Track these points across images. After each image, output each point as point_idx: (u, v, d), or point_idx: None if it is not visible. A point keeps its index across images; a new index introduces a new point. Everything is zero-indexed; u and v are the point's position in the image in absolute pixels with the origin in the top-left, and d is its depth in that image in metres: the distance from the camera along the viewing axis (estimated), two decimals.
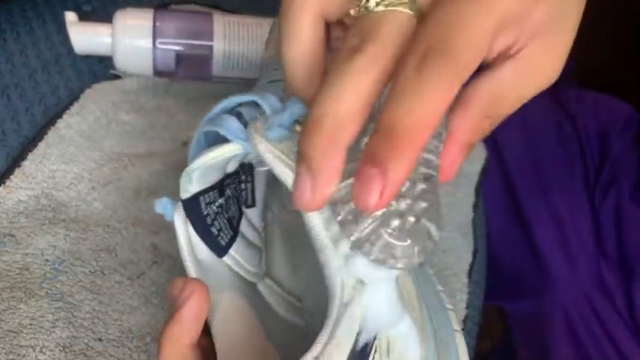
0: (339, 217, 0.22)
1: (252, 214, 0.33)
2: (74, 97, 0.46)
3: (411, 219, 0.21)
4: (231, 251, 0.30)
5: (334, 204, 0.22)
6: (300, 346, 0.23)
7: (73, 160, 0.42)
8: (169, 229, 0.29)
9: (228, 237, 0.30)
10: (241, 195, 0.31)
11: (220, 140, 0.26)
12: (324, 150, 0.20)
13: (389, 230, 0.21)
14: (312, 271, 0.28)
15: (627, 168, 0.56)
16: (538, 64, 0.22)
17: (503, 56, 0.21)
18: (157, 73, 0.48)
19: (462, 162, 0.22)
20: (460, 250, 0.47)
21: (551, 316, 0.54)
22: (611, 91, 0.60)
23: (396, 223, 0.21)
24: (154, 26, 0.46)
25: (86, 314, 0.35)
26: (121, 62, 0.47)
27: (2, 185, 0.40)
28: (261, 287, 0.33)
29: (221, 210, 0.29)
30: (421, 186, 0.21)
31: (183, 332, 0.24)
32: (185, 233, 0.28)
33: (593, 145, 0.59)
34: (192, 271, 0.28)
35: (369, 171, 0.19)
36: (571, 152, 0.58)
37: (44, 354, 0.32)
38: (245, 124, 0.26)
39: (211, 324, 0.28)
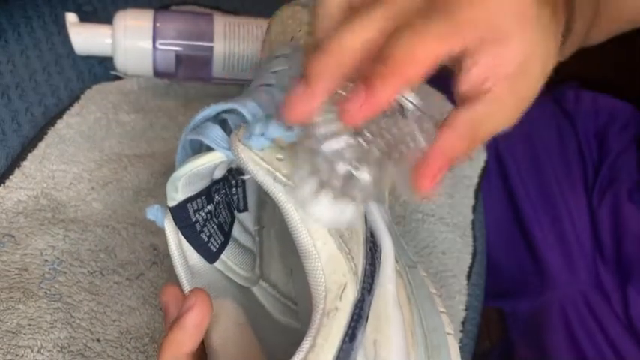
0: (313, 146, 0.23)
1: (245, 217, 0.33)
2: (74, 98, 0.46)
3: (376, 154, 0.23)
4: (223, 256, 0.30)
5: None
6: (296, 349, 0.23)
7: (73, 160, 0.42)
8: None
9: (219, 242, 0.30)
10: (232, 200, 0.31)
11: (206, 147, 0.26)
12: (322, 70, 0.23)
13: (354, 163, 0.22)
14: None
15: (626, 168, 0.56)
16: (505, 104, 0.25)
17: (477, 92, 0.25)
18: (157, 74, 0.48)
19: (438, 179, 0.24)
20: (459, 252, 0.47)
21: (548, 316, 0.54)
22: (610, 91, 0.60)
23: (359, 156, 0.22)
24: (154, 27, 0.46)
25: (84, 315, 0.35)
26: (121, 63, 0.47)
27: (2, 185, 0.40)
28: (256, 290, 0.33)
29: (210, 216, 0.29)
30: (398, 139, 0.24)
31: (184, 340, 0.25)
32: (176, 239, 0.28)
33: (592, 144, 0.59)
34: (183, 277, 0.28)
35: (357, 88, 0.22)
36: (570, 152, 0.58)
37: (42, 354, 0.33)
38: (230, 132, 0.26)
39: None
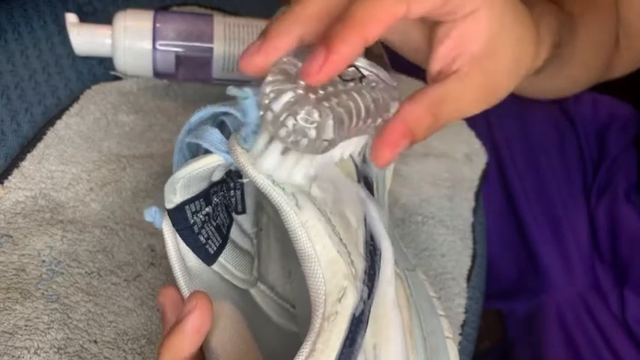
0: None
1: (244, 219, 0.33)
2: (74, 98, 0.46)
3: (326, 110, 0.23)
4: (221, 259, 0.30)
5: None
6: (294, 352, 0.23)
7: (72, 161, 0.42)
8: None
9: (217, 245, 0.30)
10: (231, 202, 0.31)
11: (203, 148, 0.26)
12: (281, 27, 0.24)
13: (302, 111, 0.23)
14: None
15: (625, 169, 0.55)
16: (475, 85, 0.26)
17: (447, 73, 0.26)
18: (157, 74, 0.48)
19: (396, 153, 0.25)
20: (459, 255, 0.47)
21: (546, 318, 0.54)
22: (610, 91, 0.59)
23: (309, 108, 0.23)
24: (154, 28, 0.46)
25: (82, 316, 0.35)
26: (120, 64, 0.47)
27: (0, 186, 0.40)
28: (254, 293, 0.33)
29: (208, 218, 0.29)
30: (356, 104, 0.24)
31: (184, 344, 0.25)
32: (174, 241, 0.28)
33: (592, 145, 0.59)
34: (180, 279, 0.28)
35: (318, 48, 0.23)
36: (569, 153, 0.58)
37: (39, 355, 0.32)
38: (229, 133, 0.26)
39: None
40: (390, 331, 0.25)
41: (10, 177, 0.40)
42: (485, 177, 0.52)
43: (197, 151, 0.29)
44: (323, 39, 0.23)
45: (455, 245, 0.47)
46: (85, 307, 0.35)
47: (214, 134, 0.26)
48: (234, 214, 0.32)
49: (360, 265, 0.25)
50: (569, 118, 0.60)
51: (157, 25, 0.46)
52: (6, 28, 0.47)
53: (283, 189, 0.24)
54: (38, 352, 0.33)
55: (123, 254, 0.38)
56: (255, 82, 0.25)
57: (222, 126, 0.28)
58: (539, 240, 0.56)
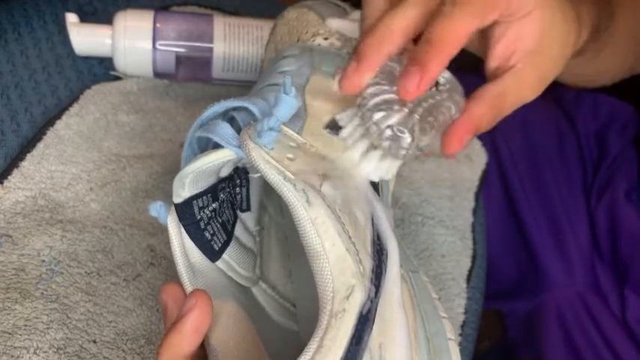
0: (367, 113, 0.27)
1: (247, 217, 0.33)
2: (74, 98, 0.46)
3: (416, 119, 0.27)
4: (225, 255, 0.30)
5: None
6: (294, 352, 0.23)
7: (72, 160, 0.42)
8: (166, 231, 0.29)
9: (222, 241, 0.30)
10: (236, 199, 0.31)
11: (213, 144, 0.26)
12: (371, 47, 0.28)
13: (399, 127, 0.27)
14: (307, 276, 0.28)
15: (625, 168, 0.55)
16: (529, 78, 0.30)
17: (504, 69, 0.30)
18: (157, 74, 0.48)
19: (463, 145, 0.28)
20: (459, 255, 0.47)
21: (545, 318, 0.54)
22: (610, 92, 0.59)
23: (403, 121, 0.27)
24: (154, 28, 0.46)
25: (81, 316, 0.35)
26: (121, 64, 0.47)
27: (0, 185, 0.40)
28: (255, 291, 0.33)
29: (215, 214, 0.29)
30: (434, 107, 0.28)
31: (183, 343, 0.25)
32: (178, 237, 0.28)
33: (592, 145, 0.58)
34: (184, 275, 0.28)
35: (411, 68, 0.26)
36: (570, 153, 0.58)
37: (38, 355, 0.32)
38: (238, 129, 0.26)
39: None
40: (396, 331, 0.25)
41: (9, 177, 0.40)
42: (485, 177, 0.52)
43: (206, 147, 0.29)
44: (415, 59, 0.26)
45: (455, 246, 0.47)
46: (84, 306, 0.35)
47: (225, 128, 0.26)
48: (238, 212, 0.32)
49: (368, 263, 0.25)
50: (570, 118, 0.60)
51: (157, 25, 0.46)
52: (6, 28, 0.47)
53: (294, 185, 0.24)
54: (37, 352, 0.33)
55: (122, 254, 0.38)
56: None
57: (231, 123, 0.28)
58: (539, 240, 0.56)
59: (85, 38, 0.47)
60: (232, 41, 0.47)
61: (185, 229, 0.28)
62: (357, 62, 0.27)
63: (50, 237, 0.38)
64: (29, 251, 0.37)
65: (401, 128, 0.27)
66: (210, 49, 0.47)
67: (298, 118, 0.28)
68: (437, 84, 0.29)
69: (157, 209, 0.28)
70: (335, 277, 0.23)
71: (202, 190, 0.27)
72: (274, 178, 0.24)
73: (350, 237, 0.24)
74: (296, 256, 0.34)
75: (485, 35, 0.30)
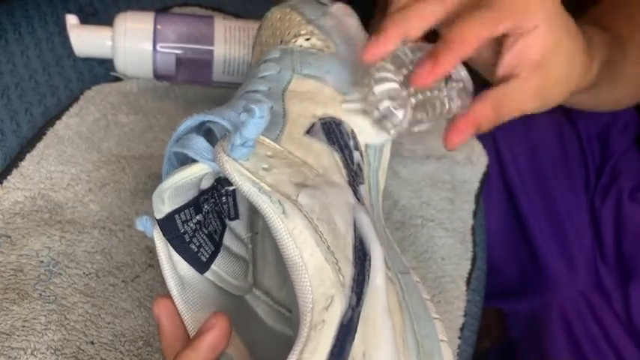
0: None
1: (237, 225, 0.33)
2: (74, 99, 0.46)
3: (412, 103, 0.30)
4: (214, 266, 0.30)
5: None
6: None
7: (71, 161, 0.42)
8: None
9: (210, 252, 0.29)
10: (223, 208, 0.31)
11: (191, 158, 0.26)
12: (393, 25, 0.31)
13: (393, 103, 0.30)
14: None
15: (628, 169, 0.55)
16: (531, 87, 0.33)
17: (509, 76, 0.33)
18: (157, 76, 0.48)
19: (463, 140, 0.32)
20: (459, 258, 0.46)
21: (548, 317, 0.54)
22: None
23: (400, 100, 0.30)
24: (155, 30, 0.46)
25: (79, 317, 0.35)
26: (121, 65, 0.47)
27: (0, 186, 0.40)
28: (249, 298, 0.33)
29: (200, 226, 0.29)
30: (436, 98, 0.31)
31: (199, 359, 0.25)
32: (165, 250, 0.28)
33: (593, 146, 0.58)
34: (173, 288, 0.28)
35: (426, 59, 0.29)
36: (571, 154, 0.58)
37: (35, 356, 0.32)
38: (217, 141, 0.26)
39: None
40: (381, 337, 0.25)
41: (9, 177, 0.40)
42: (485, 179, 0.52)
43: (186, 160, 0.29)
44: (432, 53, 0.29)
45: (455, 248, 0.47)
46: (82, 308, 0.35)
47: (199, 142, 0.26)
48: (227, 221, 0.32)
49: (349, 271, 0.24)
50: (571, 119, 0.60)
51: (158, 27, 0.46)
52: (7, 28, 0.47)
53: (270, 197, 0.24)
54: (35, 353, 0.32)
55: (121, 255, 0.38)
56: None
57: (209, 134, 0.28)
58: (541, 240, 0.56)
59: (86, 40, 0.47)
60: (233, 44, 0.47)
61: (170, 243, 0.28)
62: (381, 34, 0.30)
63: (49, 237, 0.38)
64: (28, 252, 0.37)
65: (395, 105, 0.29)
66: (211, 52, 0.47)
67: (276, 125, 0.28)
68: (449, 80, 0.31)
69: (143, 223, 0.28)
70: (314, 287, 0.23)
71: (184, 203, 0.27)
72: (249, 190, 0.24)
73: (329, 247, 0.24)
74: None
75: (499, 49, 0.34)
